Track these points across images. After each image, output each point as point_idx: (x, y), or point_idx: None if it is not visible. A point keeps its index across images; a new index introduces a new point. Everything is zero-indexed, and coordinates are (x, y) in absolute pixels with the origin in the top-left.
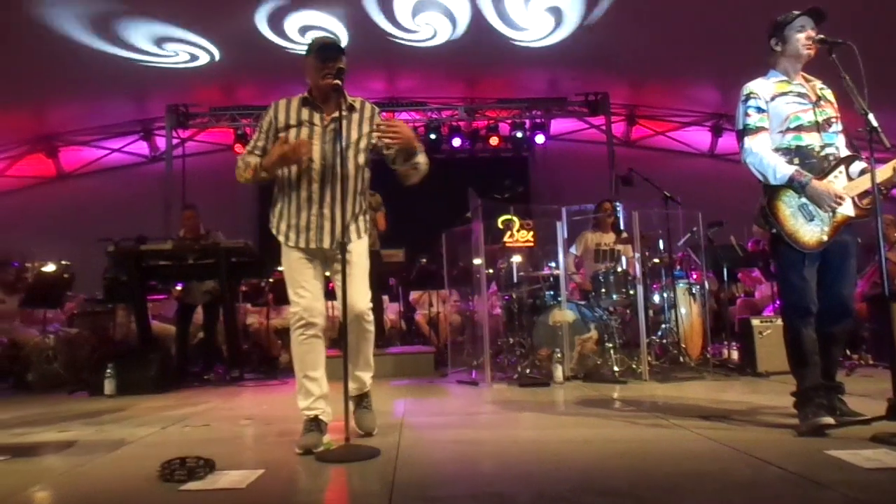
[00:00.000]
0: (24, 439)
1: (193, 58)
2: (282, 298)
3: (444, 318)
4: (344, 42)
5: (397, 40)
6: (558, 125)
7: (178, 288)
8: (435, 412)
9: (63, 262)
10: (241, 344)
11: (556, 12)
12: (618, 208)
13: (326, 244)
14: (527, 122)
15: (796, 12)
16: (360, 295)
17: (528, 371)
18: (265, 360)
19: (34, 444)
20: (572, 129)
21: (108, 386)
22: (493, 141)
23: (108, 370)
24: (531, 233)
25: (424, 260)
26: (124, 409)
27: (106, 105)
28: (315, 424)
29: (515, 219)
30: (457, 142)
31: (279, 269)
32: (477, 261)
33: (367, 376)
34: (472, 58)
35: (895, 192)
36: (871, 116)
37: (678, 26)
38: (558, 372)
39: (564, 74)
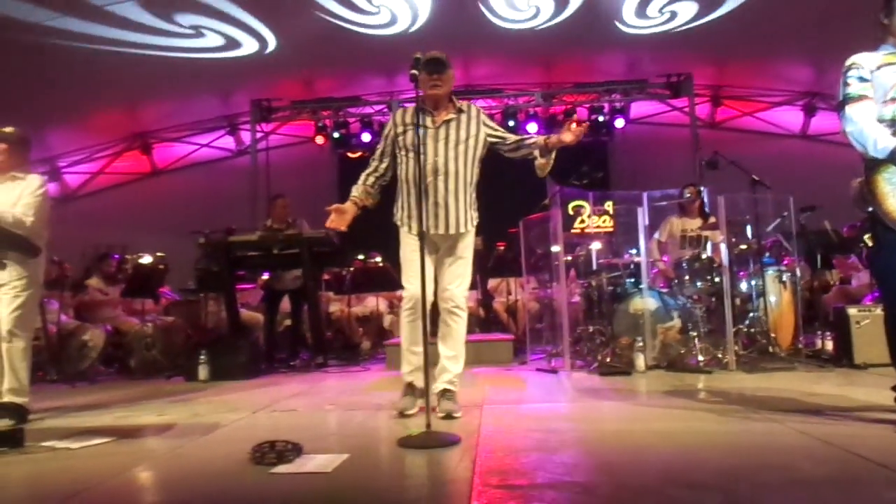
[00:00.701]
0: (127, 422)
1: (263, 47)
2: (362, 287)
3: (522, 306)
4: (420, 23)
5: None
6: (639, 108)
7: (265, 277)
8: (514, 400)
9: (158, 254)
10: (325, 331)
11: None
12: (702, 193)
13: (441, 230)
14: (605, 105)
15: None
16: (455, 285)
17: (608, 360)
18: (347, 347)
19: (136, 426)
20: (653, 111)
21: (202, 372)
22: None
23: (202, 357)
24: (603, 218)
25: (502, 247)
26: (217, 394)
27: (194, 102)
28: (410, 389)
29: (586, 204)
30: (533, 128)
31: (359, 258)
32: (555, 248)
33: (454, 367)
34: (548, 42)
35: None
36: None
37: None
38: (640, 361)
39: (644, 56)
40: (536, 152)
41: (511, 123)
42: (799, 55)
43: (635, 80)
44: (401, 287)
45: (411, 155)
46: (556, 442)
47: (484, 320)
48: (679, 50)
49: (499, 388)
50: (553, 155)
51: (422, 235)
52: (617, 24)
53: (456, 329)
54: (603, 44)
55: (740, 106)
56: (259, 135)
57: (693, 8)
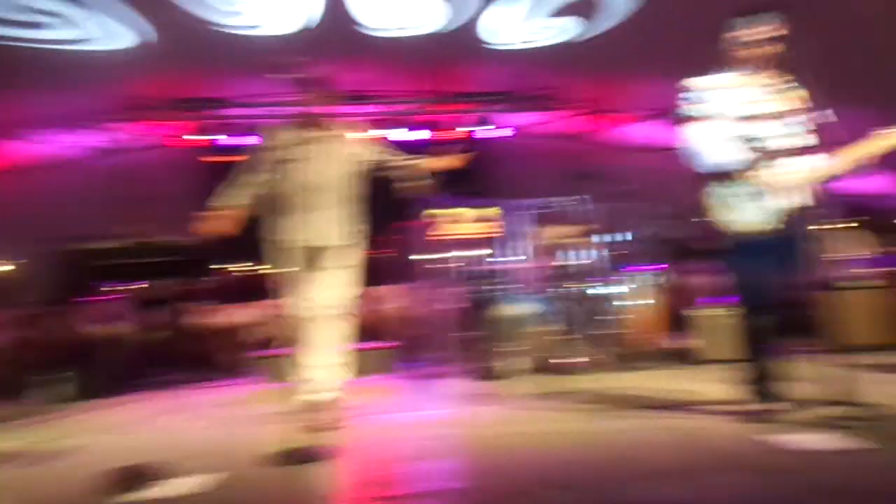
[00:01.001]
0: None
1: (133, 41)
2: (235, 297)
3: (402, 314)
4: (302, 24)
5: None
6: (517, 119)
7: (127, 288)
8: (394, 408)
9: (9, 262)
10: (197, 344)
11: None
12: (576, 202)
13: (320, 242)
14: (486, 116)
15: (754, 8)
16: (334, 294)
17: (487, 365)
18: (219, 360)
19: None
20: (532, 123)
21: (64, 390)
22: (452, 135)
23: (63, 374)
24: (481, 225)
25: (383, 254)
26: (73, 415)
27: (52, 98)
28: (306, 396)
29: (463, 211)
30: (415, 135)
31: (223, 266)
32: (434, 255)
33: (334, 376)
34: (430, 52)
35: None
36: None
37: (634, 19)
38: (516, 365)
39: (523, 68)
40: (416, 173)
41: (390, 131)
42: (665, 72)
43: (515, 91)
44: (274, 298)
45: (290, 169)
46: (435, 449)
47: (365, 328)
48: (555, 65)
49: (379, 397)
50: (434, 177)
51: (300, 248)
52: (491, 38)
53: (335, 338)
54: (482, 56)
55: (613, 119)
56: (125, 135)
57: (570, 25)
